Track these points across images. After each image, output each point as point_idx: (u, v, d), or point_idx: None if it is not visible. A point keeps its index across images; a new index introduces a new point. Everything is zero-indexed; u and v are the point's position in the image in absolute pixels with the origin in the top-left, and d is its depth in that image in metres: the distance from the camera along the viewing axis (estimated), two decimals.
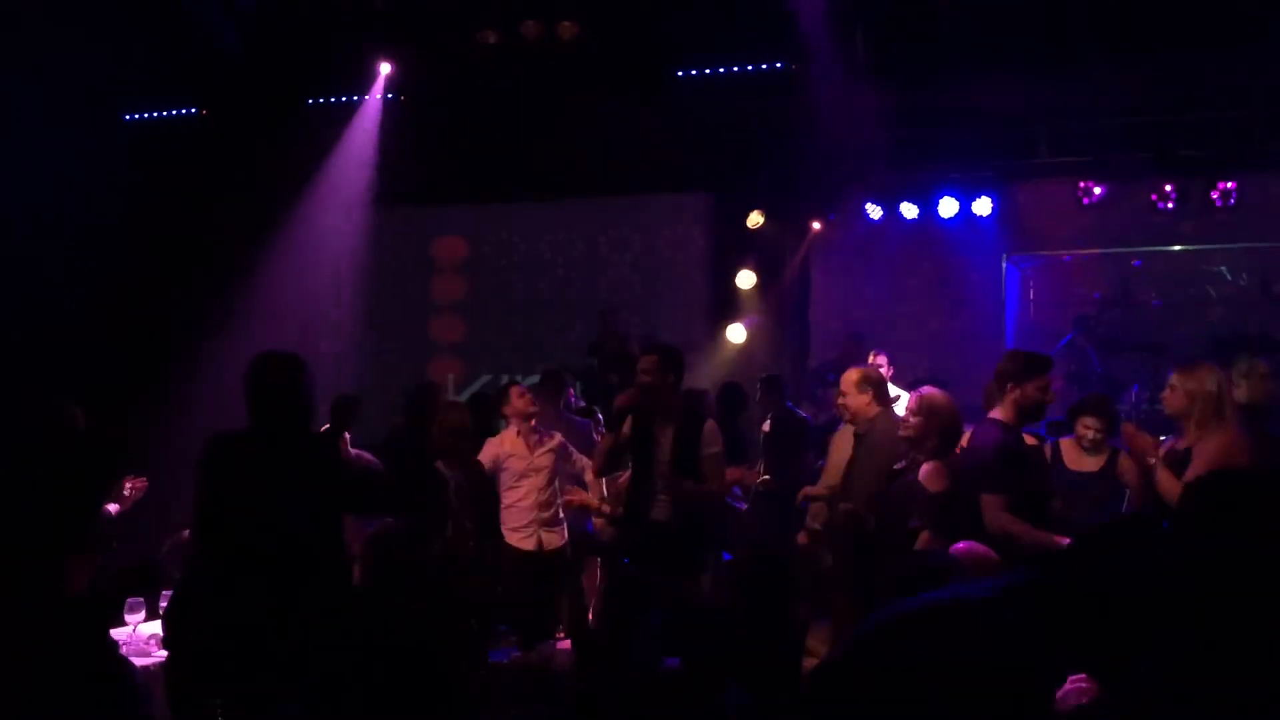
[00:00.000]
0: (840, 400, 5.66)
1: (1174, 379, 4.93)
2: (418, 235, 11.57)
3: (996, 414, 5.05)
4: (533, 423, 6.58)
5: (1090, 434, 5.77)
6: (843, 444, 5.88)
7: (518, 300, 11.26)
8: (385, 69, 9.31)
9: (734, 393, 8.12)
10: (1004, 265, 10.28)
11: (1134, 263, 10.12)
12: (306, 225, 10.68)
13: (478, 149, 10.11)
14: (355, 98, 9.91)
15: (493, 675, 4.28)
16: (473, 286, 11.44)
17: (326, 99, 9.96)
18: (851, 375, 5.63)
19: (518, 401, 6.55)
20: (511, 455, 6.51)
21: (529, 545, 6.40)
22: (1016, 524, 4.70)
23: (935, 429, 4.85)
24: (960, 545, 3.98)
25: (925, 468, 4.78)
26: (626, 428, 5.59)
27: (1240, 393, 5.46)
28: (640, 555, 5.51)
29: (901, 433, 5.01)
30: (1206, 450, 4.75)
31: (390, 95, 9.73)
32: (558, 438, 6.68)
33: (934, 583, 3.51)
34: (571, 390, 8.26)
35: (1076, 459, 5.80)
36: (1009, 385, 4.94)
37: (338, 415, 6.33)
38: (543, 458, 6.54)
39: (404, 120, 9.80)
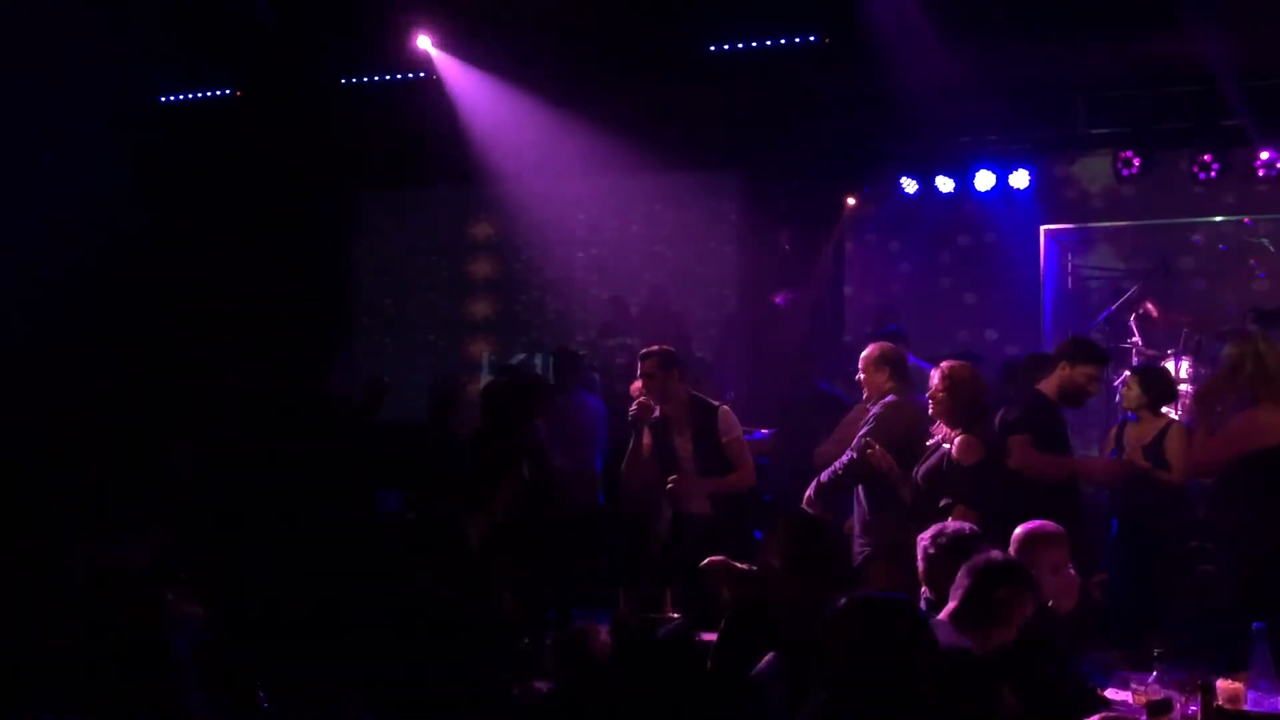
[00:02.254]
0: (858, 377, 5.64)
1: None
2: (452, 215, 11.61)
3: (1040, 386, 5.33)
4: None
5: (1129, 401, 5.91)
6: (854, 420, 5.86)
7: (551, 278, 11.26)
8: (426, 43, 9.26)
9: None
10: (1042, 238, 10.16)
11: (1193, 239, 9.96)
12: (338, 204, 10.75)
13: (508, 127, 10.10)
14: (392, 76, 9.91)
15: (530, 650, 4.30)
16: (504, 266, 11.46)
17: (362, 77, 9.97)
18: (870, 352, 5.60)
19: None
20: None
21: None
22: (1042, 456, 4.99)
23: (961, 401, 4.85)
24: (1027, 525, 3.99)
25: (958, 440, 4.77)
26: (647, 439, 5.71)
27: None
28: (684, 547, 5.60)
29: (931, 410, 5.02)
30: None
31: (425, 74, 9.70)
32: None
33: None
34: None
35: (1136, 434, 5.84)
36: (1061, 362, 5.26)
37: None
38: None
39: (430, 97, 9.80)
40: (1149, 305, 8.97)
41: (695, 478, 5.65)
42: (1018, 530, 3.94)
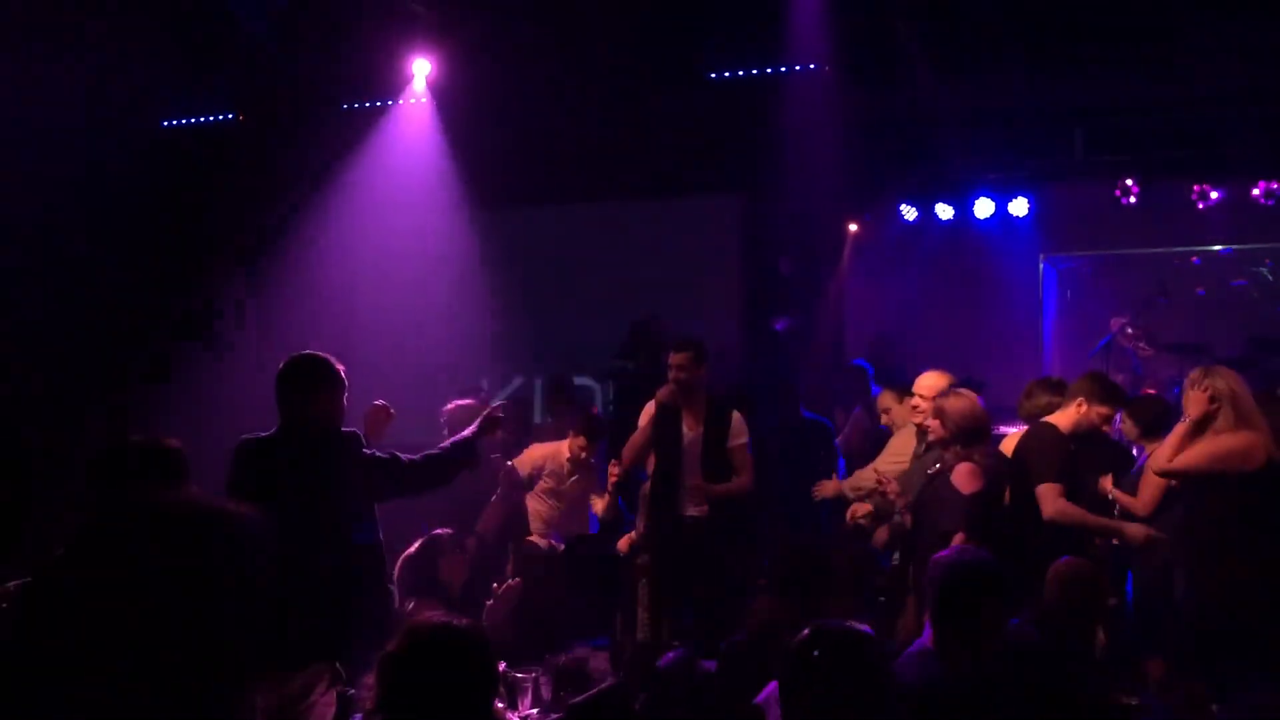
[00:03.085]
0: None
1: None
2: (448, 238, 11.60)
3: (1053, 419, 5.21)
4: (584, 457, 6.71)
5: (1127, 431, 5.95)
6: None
7: (549, 302, 11.25)
8: (424, 68, 9.31)
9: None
10: (1041, 266, 10.18)
11: (1193, 260, 9.98)
12: (341, 228, 10.75)
13: (510, 152, 10.13)
14: (391, 101, 9.96)
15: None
16: (505, 288, 11.44)
17: (363, 102, 10.01)
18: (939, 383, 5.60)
19: (576, 447, 6.64)
20: (552, 472, 6.64)
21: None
22: (1077, 509, 4.81)
23: (953, 431, 4.85)
24: (1062, 560, 4.05)
25: (959, 469, 4.77)
26: (647, 422, 5.76)
27: None
28: (675, 552, 5.59)
29: (930, 438, 5.04)
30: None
31: (424, 98, 9.74)
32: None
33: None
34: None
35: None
36: (1080, 400, 5.12)
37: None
38: (572, 486, 6.68)
39: (435, 122, 9.83)
40: (1127, 327, 9.02)
41: (697, 475, 5.70)
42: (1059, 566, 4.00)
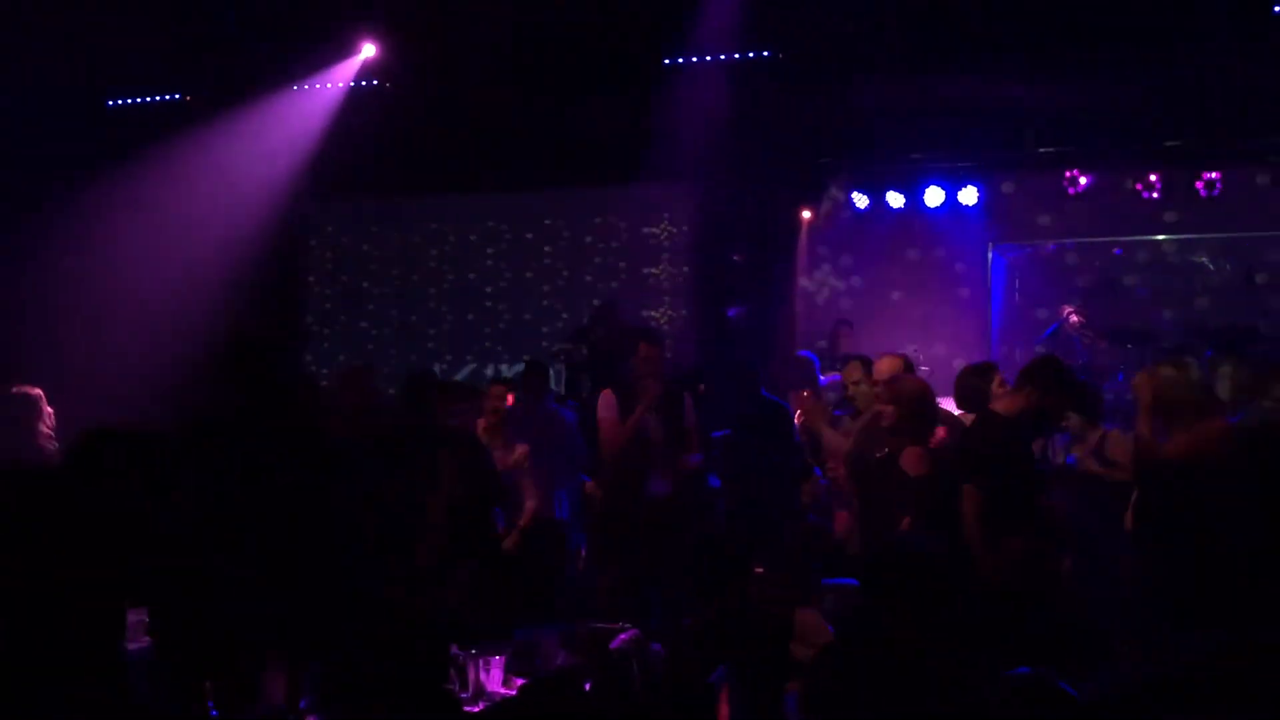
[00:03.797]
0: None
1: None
2: (402, 224, 11.55)
3: (1000, 406, 5.10)
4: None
5: (1070, 425, 6.00)
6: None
7: (504, 288, 11.24)
8: (369, 51, 9.25)
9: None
10: (989, 254, 10.32)
11: (1115, 251, 10.15)
12: (278, 212, 10.65)
13: (463, 137, 10.08)
14: (339, 84, 9.88)
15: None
16: (457, 277, 11.41)
17: (314, 84, 9.91)
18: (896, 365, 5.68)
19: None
20: None
21: None
22: (979, 529, 4.73)
23: (908, 414, 4.89)
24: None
25: (907, 452, 4.82)
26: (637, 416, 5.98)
27: (1222, 390, 5.57)
28: (645, 530, 5.71)
29: (883, 423, 5.06)
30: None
31: (373, 81, 9.68)
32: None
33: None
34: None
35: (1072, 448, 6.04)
36: (1030, 387, 4.96)
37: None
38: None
39: (387, 106, 9.77)
40: (1072, 315, 9.18)
41: (662, 460, 5.99)
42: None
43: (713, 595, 4.13)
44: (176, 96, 10.31)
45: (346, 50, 9.33)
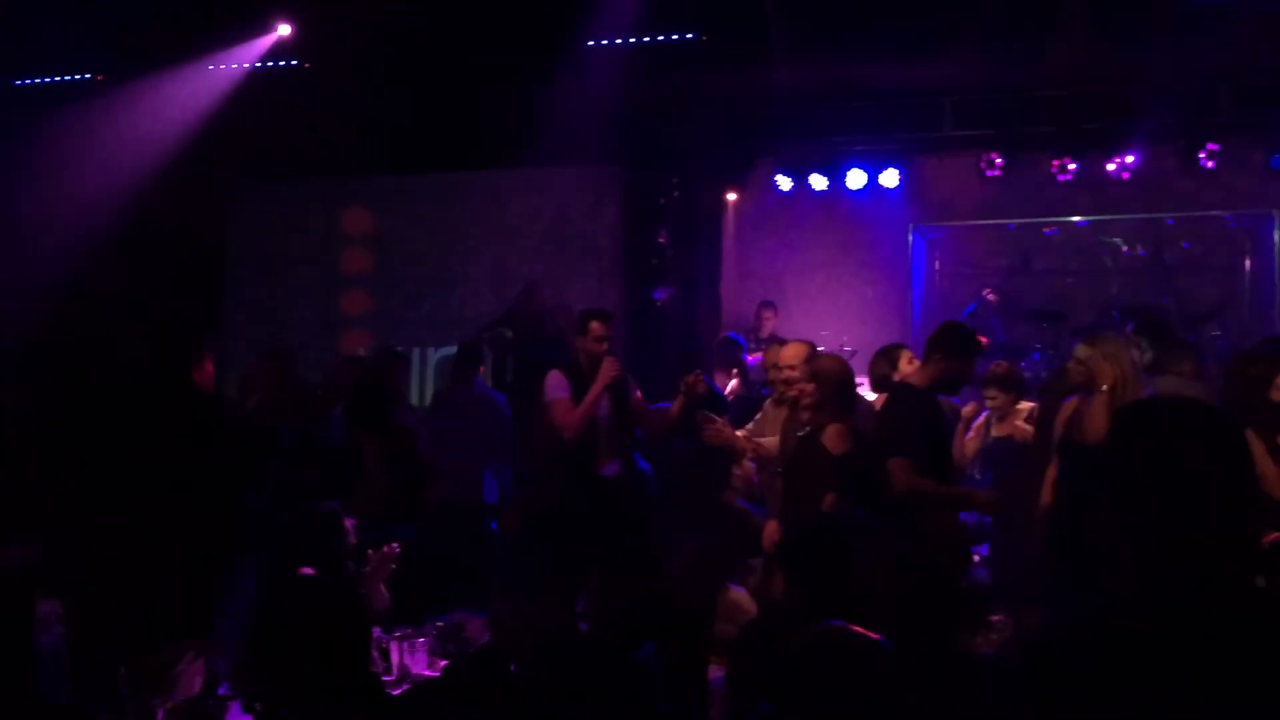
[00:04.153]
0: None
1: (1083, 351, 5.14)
2: (325, 208, 11.39)
3: (913, 379, 5.23)
4: None
5: (996, 403, 6.28)
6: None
7: (428, 272, 11.15)
8: (285, 30, 9.08)
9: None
10: (910, 235, 10.48)
11: (1046, 232, 10.36)
12: (208, 196, 10.45)
13: (387, 119, 9.97)
14: (254, 63, 9.68)
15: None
16: (381, 259, 11.29)
17: (231, 64, 9.70)
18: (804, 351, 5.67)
19: None
20: None
21: None
22: (924, 482, 4.86)
23: (828, 393, 4.93)
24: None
25: (829, 430, 4.86)
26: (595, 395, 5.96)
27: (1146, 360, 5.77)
28: (594, 513, 5.70)
29: (802, 402, 5.11)
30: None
31: (292, 61, 9.51)
32: None
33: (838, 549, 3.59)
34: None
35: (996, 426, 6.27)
36: (938, 355, 5.06)
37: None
38: None
39: (307, 86, 9.61)
40: (990, 294, 9.37)
41: (614, 435, 6.00)
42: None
43: (640, 574, 4.16)
44: (86, 76, 10.03)
45: (261, 29, 9.14)
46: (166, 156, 9.76)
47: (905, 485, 4.76)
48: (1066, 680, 1.73)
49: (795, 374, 5.46)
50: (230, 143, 10.30)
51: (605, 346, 5.98)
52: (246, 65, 9.56)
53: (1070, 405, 5.20)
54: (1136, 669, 1.69)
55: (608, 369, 5.91)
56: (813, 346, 5.75)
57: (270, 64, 9.59)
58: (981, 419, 6.49)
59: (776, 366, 5.86)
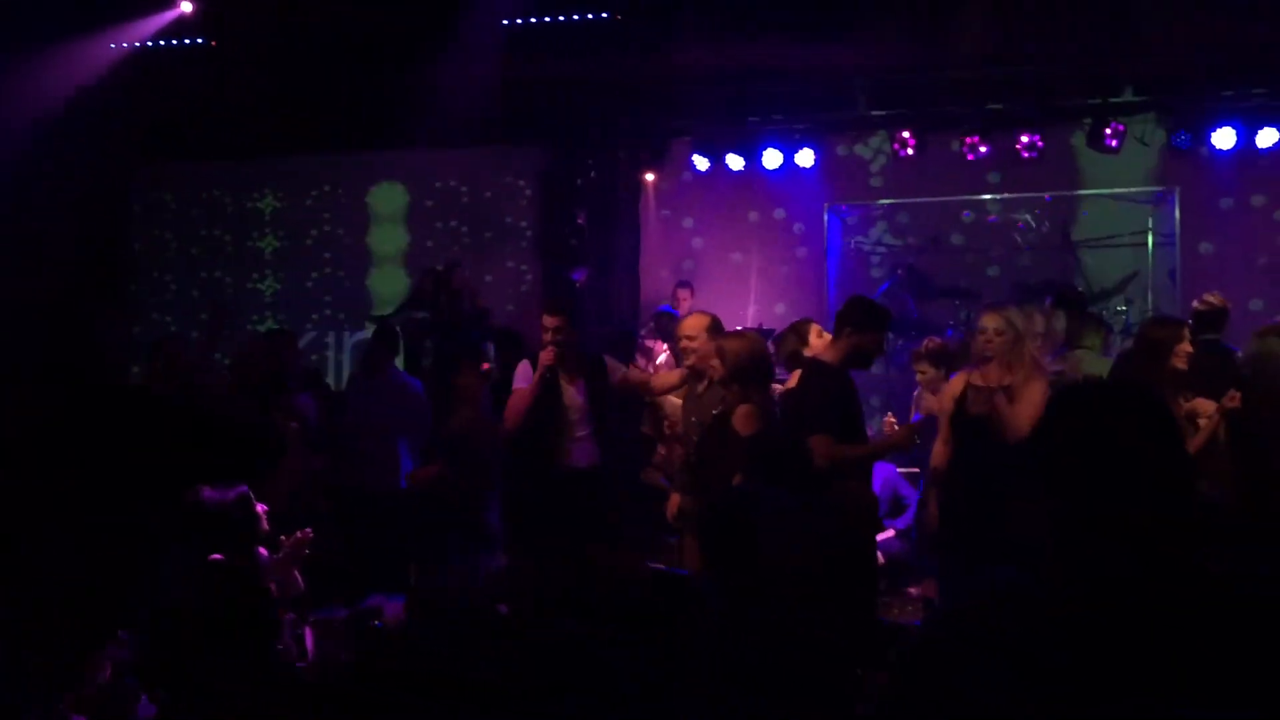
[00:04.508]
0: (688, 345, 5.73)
1: (991, 321, 5.21)
2: (237, 188, 11.16)
3: (825, 355, 5.28)
4: None
5: (926, 377, 6.46)
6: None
7: (343, 254, 10.99)
8: (186, 7, 8.86)
9: (512, 339, 7.97)
10: (826, 215, 10.58)
11: (964, 214, 10.52)
12: (111, 177, 10.14)
13: (297, 98, 9.79)
14: (167, 42, 9.44)
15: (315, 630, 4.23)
16: (294, 240, 11.10)
17: (134, 43, 9.44)
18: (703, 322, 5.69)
19: None
20: None
21: None
22: (846, 450, 4.95)
23: (730, 370, 4.95)
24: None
25: (738, 411, 4.86)
26: (535, 384, 5.84)
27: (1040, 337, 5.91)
28: (560, 504, 5.64)
29: (713, 376, 5.15)
30: (1033, 394, 5.09)
31: (199, 39, 9.28)
32: None
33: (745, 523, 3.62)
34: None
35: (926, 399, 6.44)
36: (848, 329, 5.14)
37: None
38: None
39: (211, 67, 9.40)
40: (899, 272, 9.55)
41: (586, 427, 5.83)
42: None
43: (559, 560, 4.14)
44: None
45: (162, 5, 8.90)
46: (64, 136, 9.48)
47: (828, 456, 4.82)
48: (1004, 659, 1.71)
49: (694, 344, 5.51)
50: (134, 123, 10.04)
51: (552, 338, 5.82)
52: (148, 43, 9.31)
53: (959, 379, 5.30)
54: (1076, 649, 1.69)
55: (541, 361, 5.86)
56: (713, 318, 5.73)
57: (173, 42, 9.36)
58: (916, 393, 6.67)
59: (679, 338, 5.89)
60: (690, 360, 5.53)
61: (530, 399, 5.85)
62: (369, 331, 10.26)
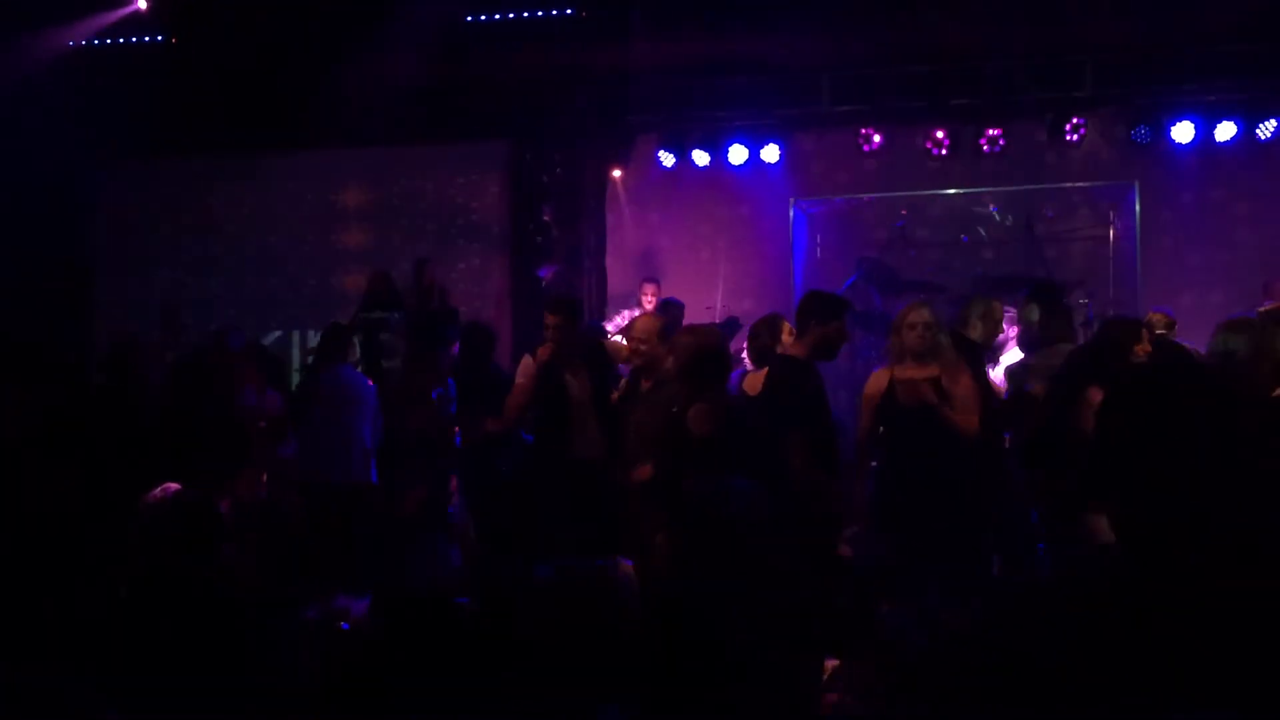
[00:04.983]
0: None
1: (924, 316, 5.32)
2: (198, 187, 11.04)
3: (794, 350, 5.39)
4: None
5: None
6: None
7: (310, 252, 10.91)
8: (141, 4, 8.76)
9: (482, 333, 7.99)
10: (791, 210, 10.61)
11: (901, 212, 10.55)
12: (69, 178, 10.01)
13: (259, 95, 9.70)
14: (126, 39, 9.34)
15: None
16: (260, 239, 11.01)
17: (93, 40, 9.34)
18: (654, 325, 5.72)
19: None
20: None
21: None
22: (817, 472, 5.01)
23: (681, 368, 4.93)
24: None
25: (693, 411, 4.83)
26: (530, 380, 5.95)
27: (975, 332, 5.97)
28: (569, 496, 5.68)
29: (661, 375, 5.22)
30: (966, 384, 5.20)
31: (158, 36, 9.19)
32: None
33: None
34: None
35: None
36: (812, 323, 5.27)
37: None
38: None
39: (170, 63, 9.30)
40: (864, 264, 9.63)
41: (592, 420, 5.87)
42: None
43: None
44: None
45: (114, 2, 8.80)
46: (15, 134, 9.36)
47: (802, 466, 4.92)
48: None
49: (645, 347, 5.56)
50: (91, 121, 9.93)
51: (551, 335, 5.94)
52: (103, 40, 9.20)
53: (882, 374, 5.41)
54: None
55: (539, 357, 5.96)
56: (664, 321, 5.83)
57: (130, 39, 9.25)
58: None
59: (629, 339, 5.93)
60: (638, 361, 5.59)
61: (528, 394, 5.96)
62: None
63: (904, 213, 10.22)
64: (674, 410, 4.98)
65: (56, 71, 9.33)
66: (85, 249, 11.05)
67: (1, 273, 9.43)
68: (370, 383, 7.17)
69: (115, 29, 9.21)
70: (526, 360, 6.16)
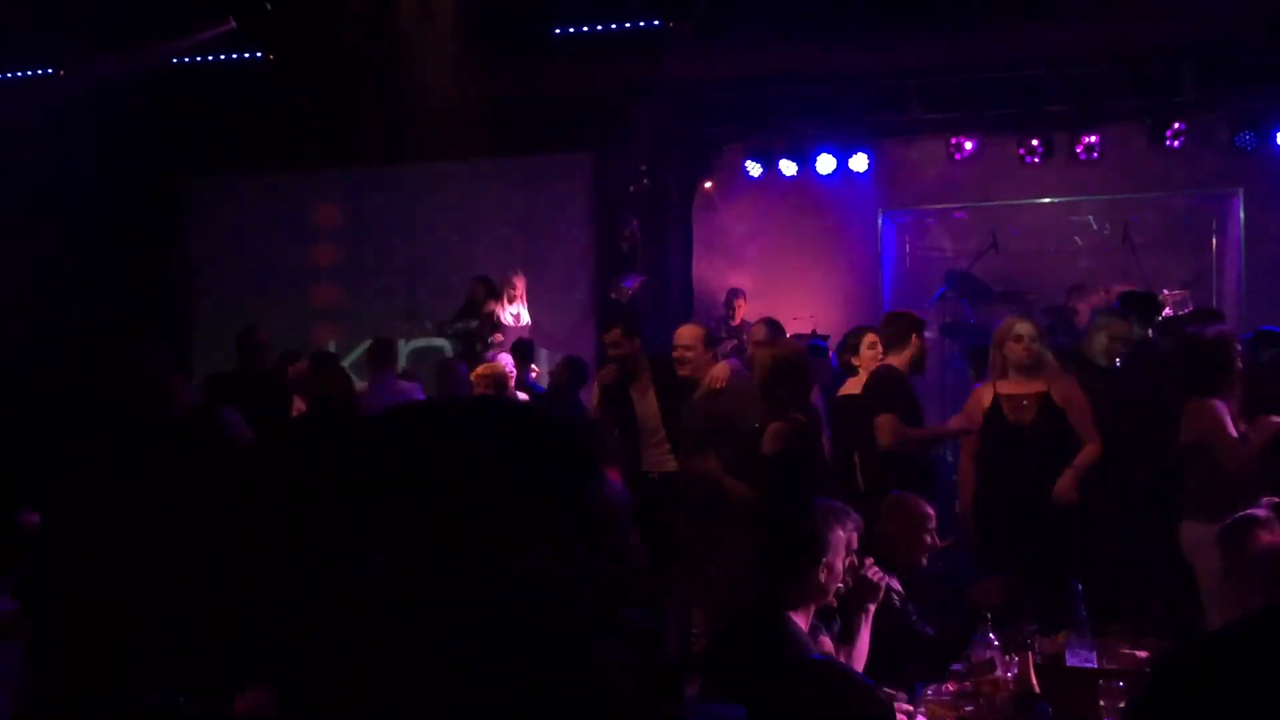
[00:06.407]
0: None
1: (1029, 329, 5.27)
2: (295, 200, 11.29)
3: (893, 361, 5.53)
4: None
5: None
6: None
7: (399, 264, 11.08)
8: (236, 23, 8.98)
9: (577, 365, 8.07)
10: (880, 220, 10.48)
11: (1015, 214, 10.36)
12: (170, 192, 10.30)
13: (353, 111, 9.88)
14: (226, 56, 9.58)
15: None
16: (352, 251, 11.21)
17: (196, 57, 9.60)
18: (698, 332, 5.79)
19: None
20: None
21: None
22: (909, 430, 5.24)
23: (761, 383, 4.94)
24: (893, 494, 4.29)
25: (769, 428, 4.83)
26: (597, 402, 6.06)
27: (1096, 349, 5.82)
28: (652, 509, 5.72)
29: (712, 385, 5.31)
30: (1078, 396, 5.12)
31: (258, 55, 9.41)
32: None
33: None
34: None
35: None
36: (913, 336, 5.49)
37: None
38: None
39: (274, 82, 9.52)
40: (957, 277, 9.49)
41: (661, 437, 5.85)
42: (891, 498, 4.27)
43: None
44: (49, 71, 9.89)
45: (212, 21, 9.03)
46: (119, 155, 9.65)
47: (892, 435, 5.14)
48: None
49: (689, 354, 5.57)
50: (190, 138, 10.21)
51: (612, 354, 5.99)
52: (200, 58, 9.45)
53: (986, 389, 5.34)
54: None
55: (600, 379, 6.10)
56: (708, 331, 5.89)
57: (228, 56, 9.49)
58: None
59: (675, 346, 5.92)
60: (685, 370, 5.57)
61: (594, 413, 6.05)
62: (426, 340, 10.39)
63: (995, 229, 10.04)
64: (755, 426, 4.97)
65: (153, 86, 9.59)
66: (183, 260, 11.35)
67: (94, 289, 9.71)
68: (417, 393, 7.28)
69: (209, 45, 9.43)
70: (594, 387, 6.22)
